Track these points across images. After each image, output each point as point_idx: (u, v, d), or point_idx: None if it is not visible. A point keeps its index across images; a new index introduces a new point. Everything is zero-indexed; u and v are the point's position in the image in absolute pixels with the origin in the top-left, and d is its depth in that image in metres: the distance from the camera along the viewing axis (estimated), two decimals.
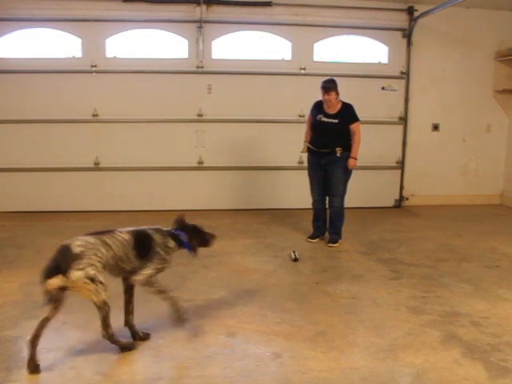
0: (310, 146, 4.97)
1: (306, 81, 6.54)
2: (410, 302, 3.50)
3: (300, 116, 6.60)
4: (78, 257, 2.51)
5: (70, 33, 6.17)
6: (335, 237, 4.99)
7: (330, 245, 4.94)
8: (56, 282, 2.47)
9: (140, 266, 2.73)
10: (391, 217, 6.37)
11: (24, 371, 2.50)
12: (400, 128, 6.93)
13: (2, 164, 6.25)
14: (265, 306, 3.41)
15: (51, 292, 2.48)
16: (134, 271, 2.73)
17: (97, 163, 6.40)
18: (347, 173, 4.87)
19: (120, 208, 6.37)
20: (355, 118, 4.82)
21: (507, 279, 4.01)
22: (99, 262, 2.55)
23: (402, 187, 7.05)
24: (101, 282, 2.53)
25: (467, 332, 3.03)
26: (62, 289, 2.51)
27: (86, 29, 6.15)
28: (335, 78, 4.84)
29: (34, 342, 2.50)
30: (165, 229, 3.04)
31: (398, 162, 6.99)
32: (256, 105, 6.52)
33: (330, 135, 4.81)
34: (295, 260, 4.40)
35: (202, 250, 4.67)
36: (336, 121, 4.80)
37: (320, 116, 4.87)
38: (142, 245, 2.76)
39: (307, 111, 6.56)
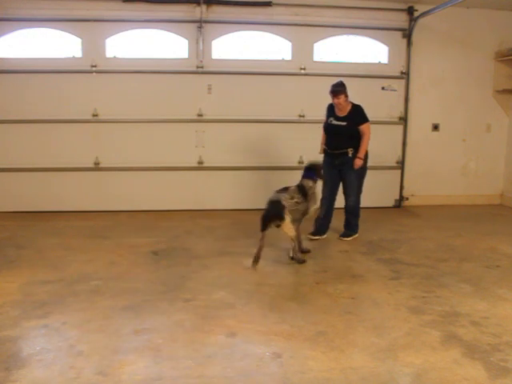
0: (325, 148, 5.15)
1: (306, 81, 6.55)
2: (410, 302, 3.50)
3: (300, 116, 6.61)
4: (284, 207, 4.16)
5: (70, 33, 6.17)
6: (348, 231, 5.20)
7: (342, 238, 5.16)
8: (276, 222, 4.16)
9: (305, 206, 4.42)
10: (391, 217, 6.38)
11: (24, 371, 2.50)
12: (400, 128, 6.93)
13: (2, 164, 6.25)
14: (265, 306, 3.41)
15: (267, 230, 4.18)
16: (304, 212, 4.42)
17: (97, 163, 6.40)
18: (360, 172, 5.00)
19: (120, 208, 6.37)
20: (364, 119, 4.93)
21: (507, 279, 4.01)
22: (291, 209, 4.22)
23: (402, 187, 7.05)
24: (293, 223, 4.22)
25: (467, 332, 3.03)
26: (277, 226, 4.20)
27: (86, 29, 6.15)
28: (342, 80, 4.94)
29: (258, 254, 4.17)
30: (305, 177, 4.59)
31: (397, 162, 6.99)
32: (256, 105, 6.52)
33: (341, 137, 4.95)
34: (293, 259, 4.43)
35: (202, 250, 4.70)
36: (344, 123, 4.93)
37: (331, 119, 5.03)
38: (304, 192, 4.42)
39: (307, 111, 6.63)
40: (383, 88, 6.73)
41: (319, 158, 5.18)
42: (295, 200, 4.31)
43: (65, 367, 2.56)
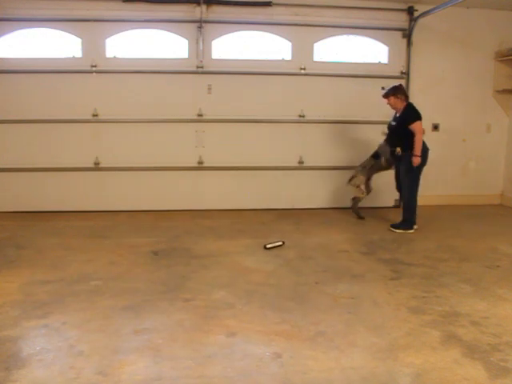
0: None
1: (306, 81, 6.55)
2: (410, 302, 3.50)
3: (300, 116, 6.61)
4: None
5: (70, 33, 6.17)
6: (399, 223, 5.50)
7: (391, 227, 5.51)
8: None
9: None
10: (391, 217, 6.36)
11: (24, 371, 2.51)
12: None
13: (2, 164, 6.25)
14: (265, 305, 3.41)
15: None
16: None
17: (97, 163, 6.40)
18: (410, 169, 5.27)
19: (120, 208, 6.37)
20: (412, 119, 5.20)
21: (507, 279, 4.01)
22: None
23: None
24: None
25: (467, 332, 3.03)
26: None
27: (86, 29, 6.15)
28: (399, 84, 5.52)
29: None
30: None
31: None
32: (256, 105, 6.51)
33: (392, 136, 5.50)
34: (265, 247, 4.72)
35: (202, 250, 4.70)
36: (394, 123, 5.42)
37: (391, 120, 5.54)
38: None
39: (307, 111, 6.64)
40: (383, 88, 6.72)
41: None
42: None
43: (65, 367, 2.56)
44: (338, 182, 6.59)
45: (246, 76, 6.46)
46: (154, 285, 3.78)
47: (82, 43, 6.20)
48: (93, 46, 6.20)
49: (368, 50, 6.76)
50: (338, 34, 6.64)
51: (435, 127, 7.05)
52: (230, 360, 2.67)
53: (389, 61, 6.77)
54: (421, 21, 6.57)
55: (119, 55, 6.30)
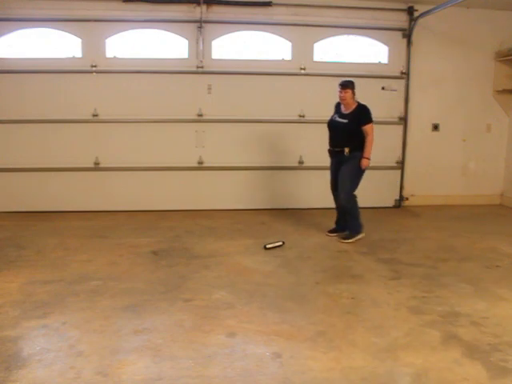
0: (328, 145, 5.19)
1: (306, 81, 6.55)
2: (410, 302, 3.50)
3: (300, 116, 6.61)
4: None
5: (69, 33, 6.17)
6: (348, 234, 5.12)
7: (340, 240, 5.10)
8: None
9: None
10: (391, 217, 6.38)
11: (24, 371, 2.50)
12: (400, 128, 6.92)
13: (2, 164, 6.25)
14: (265, 306, 3.41)
15: None
16: None
17: (97, 163, 6.40)
18: (356, 171, 4.97)
19: (120, 208, 6.37)
20: (368, 120, 4.95)
21: (507, 279, 4.01)
22: None
23: (401, 187, 7.05)
24: None
25: (467, 332, 3.03)
26: None
27: (86, 29, 6.15)
28: (352, 79, 5.06)
29: None
30: None
31: (397, 162, 6.98)
32: (256, 105, 6.51)
33: (340, 134, 5.00)
34: (265, 247, 4.71)
35: (202, 250, 4.70)
36: (346, 121, 4.97)
37: (335, 115, 5.11)
38: None
39: (307, 111, 6.64)
40: (383, 88, 6.73)
41: (324, 156, 5.19)
42: None
43: (65, 367, 2.56)
44: None
45: (246, 76, 6.46)
46: (154, 285, 3.78)
47: (82, 43, 6.20)
48: (93, 46, 6.20)
49: (368, 50, 6.76)
50: (338, 34, 6.64)
51: (435, 127, 7.05)
52: (230, 360, 2.66)
53: (389, 61, 6.77)
54: (421, 21, 6.57)
55: (119, 55, 6.30)
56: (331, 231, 5.31)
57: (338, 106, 5.14)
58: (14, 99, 6.15)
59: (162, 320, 3.15)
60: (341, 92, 4.94)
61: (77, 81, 6.22)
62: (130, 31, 6.27)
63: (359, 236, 5.12)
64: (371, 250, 4.80)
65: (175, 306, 3.37)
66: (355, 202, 5.06)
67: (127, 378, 2.48)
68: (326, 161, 5.32)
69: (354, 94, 4.94)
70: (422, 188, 7.12)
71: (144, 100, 6.33)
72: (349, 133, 4.93)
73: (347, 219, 5.15)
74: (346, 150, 4.94)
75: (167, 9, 6.20)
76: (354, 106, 4.98)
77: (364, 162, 4.91)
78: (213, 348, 2.80)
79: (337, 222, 5.33)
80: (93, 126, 6.33)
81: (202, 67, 6.38)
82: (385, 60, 6.78)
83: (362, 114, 4.94)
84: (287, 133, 6.60)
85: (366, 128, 4.92)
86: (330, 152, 5.16)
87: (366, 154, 4.91)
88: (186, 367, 2.59)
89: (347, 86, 4.90)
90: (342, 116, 5.02)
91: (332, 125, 5.10)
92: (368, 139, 4.92)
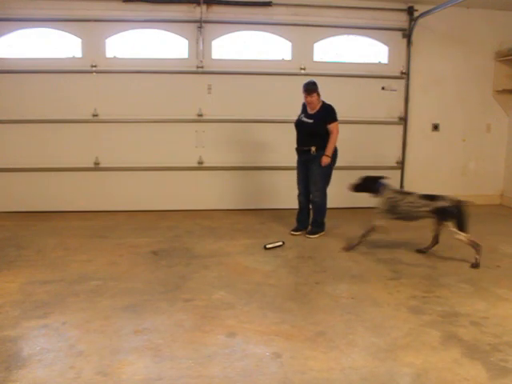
0: (296, 144, 5.29)
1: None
2: (410, 302, 3.50)
3: None
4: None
5: (69, 33, 6.17)
6: (314, 229, 5.27)
7: (308, 236, 5.22)
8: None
9: None
10: None
11: (24, 371, 2.50)
12: (400, 128, 6.92)
13: (2, 164, 6.25)
14: (265, 306, 3.41)
15: None
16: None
17: (97, 163, 6.40)
18: (325, 170, 5.08)
19: (120, 208, 6.37)
20: (332, 118, 5.05)
21: (507, 279, 4.01)
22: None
23: (402, 187, 7.04)
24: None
25: (467, 332, 3.03)
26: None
27: (86, 29, 6.15)
28: (314, 80, 5.12)
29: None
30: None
31: (397, 162, 6.98)
32: (256, 105, 6.51)
33: (306, 134, 5.13)
34: (265, 247, 4.72)
35: (202, 250, 4.70)
36: (311, 121, 5.09)
37: (302, 115, 5.22)
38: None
39: None
40: (383, 88, 6.73)
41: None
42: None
43: (65, 367, 2.56)
44: (338, 182, 6.57)
45: (246, 76, 6.46)
46: (153, 285, 3.78)
47: (82, 43, 6.20)
48: (93, 46, 6.20)
49: (368, 50, 6.75)
50: (338, 34, 6.64)
51: (435, 127, 7.05)
52: (229, 360, 2.66)
53: (389, 61, 6.77)
54: (421, 21, 6.57)
55: (119, 55, 6.30)
56: (295, 230, 5.38)
57: (304, 106, 5.24)
58: (14, 99, 6.15)
59: (162, 320, 3.15)
60: (306, 97, 5.04)
61: (77, 81, 6.22)
62: (130, 31, 6.27)
63: (323, 232, 5.29)
64: (371, 250, 4.80)
65: (175, 306, 3.37)
66: (326, 200, 5.23)
67: (127, 378, 2.48)
68: None
69: (319, 95, 5.05)
70: (422, 188, 7.07)
71: (144, 100, 6.33)
72: (314, 132, 5.05)
73: (314, 215, 5.28)
74: (313, 148, 5.06)
75: (167, 9, 6.21)
76: (318, 106, 5.09)
77: (324, 159, 5.01)
78: (213, 348, 2.80)
79: (298, 220, 5.42)
80: (93, 126, 6.33)
81: (201, 67, 6.38)
82: (385, 60, 6.78)
83: (327, 114, 5.05)
84: (287, 133, 6.57)
85: (331, 127, 5.02)
86: (298, 151, 5.26)
87: (327, 152, 5.01)
88: (186, 367, 2.59)
89: (313, 90, 4.99)
90: (308, 116, 5.13)
91: (299, 124, 5.22)
92: (332, 137, 5.02)
